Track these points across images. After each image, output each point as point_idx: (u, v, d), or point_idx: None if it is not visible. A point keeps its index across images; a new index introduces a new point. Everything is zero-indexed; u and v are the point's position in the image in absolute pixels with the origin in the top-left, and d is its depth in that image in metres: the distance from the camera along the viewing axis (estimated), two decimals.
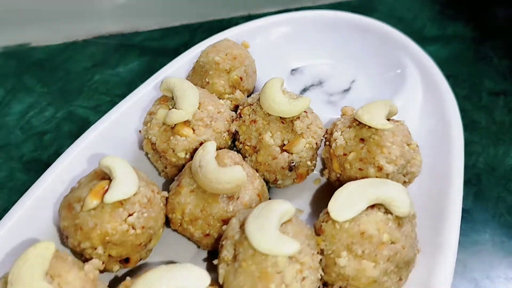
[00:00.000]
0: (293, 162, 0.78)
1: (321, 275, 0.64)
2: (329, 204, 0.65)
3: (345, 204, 0.64)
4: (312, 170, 0.83)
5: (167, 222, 0.74)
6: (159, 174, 0.85)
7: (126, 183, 0.66)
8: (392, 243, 0.64)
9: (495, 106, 1.10)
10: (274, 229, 0.60)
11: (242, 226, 0.63)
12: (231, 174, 0.68)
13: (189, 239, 0.75)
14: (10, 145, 0.96)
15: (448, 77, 1.01)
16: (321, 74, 1.09)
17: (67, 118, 1.02)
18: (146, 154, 0.84)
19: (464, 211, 0.88)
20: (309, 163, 0.80)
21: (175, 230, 0.75)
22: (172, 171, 0.81)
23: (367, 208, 0.65)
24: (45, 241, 0.60)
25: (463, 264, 0.82)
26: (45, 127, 1.00)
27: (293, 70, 1.10)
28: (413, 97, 1.00)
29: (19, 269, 0.57)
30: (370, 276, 0.63)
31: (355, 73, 1.09)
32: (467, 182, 0.93)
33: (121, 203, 0.65)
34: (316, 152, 0.82)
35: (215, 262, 0.65)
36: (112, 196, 0.64)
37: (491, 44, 1.26)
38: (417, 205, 0.72)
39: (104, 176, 0.69)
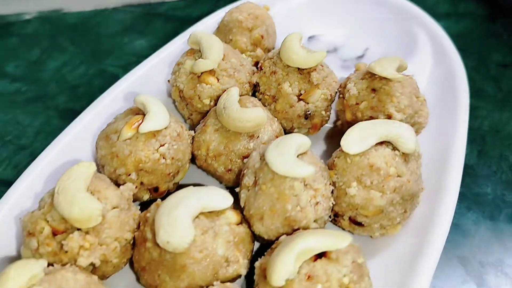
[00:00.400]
0: (309, 111, 0.85)
1: (332, 203, 0.71)
2: (342, 139, 0.71)
3: (356, 139, 0.70)
4: (326, 121, 0.90)
5: (193, 160, 0.81)
6: (185, 121, 0.92)
7: (159, 117, 0.73)
8: (398, 176, 0.70)
9: (503, 77, 1.15)
10: (292, 155, 0.66)
11: (262, 157, 0.70)
12: (253, 113, 0.75)
13: (212, 175, 0.82)
14: (47, 96, 1.04)
15: (458, 50, 1.06)
16: (336, 41, 1.15)
17: (98, 75, 1.10)
18: (174, 102, 0.91)
19: (468, 166, 0.95)
20: (323, 113, 0.87)
21: (199, 167, 0.82)
22: (197, 118, 0.88)
23: (376, 144, 0.71)
24: (87, 161, 0.67)
25: (465, 209, 0.87)
26: (78, 82, 1.08)
27: (309, 37, 1.16)
28: (423, 63, 1.05)
29: (64, 183, 0.64)
30: (377, 205, 0.69)
31: (369, 42, 1.15)
32: (472, 141, 0.99)
33: (153, 134, 0.73)
34: (330, 104, 0.89)
35: (237, 189, 0.72)
36: (146, 126, 0.71)
37: (502, 22, 1.31)
38: (423, 154, 0.78)
39: (138, 112, 0.76)
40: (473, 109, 1.01)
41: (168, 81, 0.90)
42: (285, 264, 0.58)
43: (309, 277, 0.58)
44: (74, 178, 0.65)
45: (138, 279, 0.71)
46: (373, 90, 0.82)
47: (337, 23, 1.18)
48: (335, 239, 0.60)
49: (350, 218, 0.73)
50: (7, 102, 1.04)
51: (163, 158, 0.74)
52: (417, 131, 0.85)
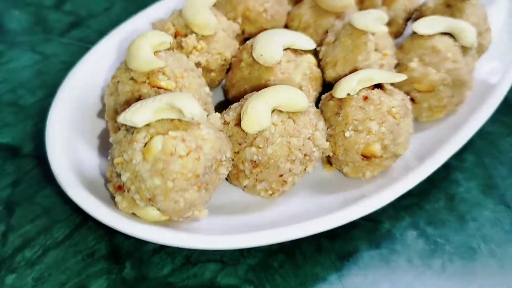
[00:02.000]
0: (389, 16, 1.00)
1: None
2: (414, 23, 0.86)
3: (427, 24, 0.85)
4: (400, 33, 1.04)
5: None
6: None
7: None
8: (454, 61, 0.83)
9: None
10: (372, 17, 0.82)
11: (345, 24, 0.86)
12: None
13: None
14: None
15: None
16: None
17: None
18: None
19: None
20: (400, 21, 1.01)
21: None
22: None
23: (441, 33, 0.85)
24: None
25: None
26: None
27: None
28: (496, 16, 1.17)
29: (191, 2, 0.83)
30: (431, 80, 0.83)
31: None
32: None
33: None
34: (408, 19, 1.03)
35: (318, 48, 0.88)
36: None
37: None
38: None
39: None
40: None
41: None
42: (349, 82, 0.73)
43: (365, 98, 0.74)
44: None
45: (225, 95, 0.89)
46: (448, 5, 0.96)
47: None
48: (393, 74, 0.75)
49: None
50: None
51: (265, 13, 0.91)
52: (479, 54, 0.98)
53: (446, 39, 0.84)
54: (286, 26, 0.98)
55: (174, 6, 1.00)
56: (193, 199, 0.61)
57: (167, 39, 0.75)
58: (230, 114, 0.71)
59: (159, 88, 0.72)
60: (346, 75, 0.81)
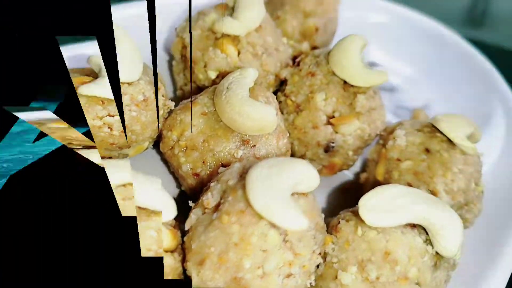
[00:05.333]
0: (333, 143, 0.62)
1: (311, 284, 0.47)
2: (361, 198, 0.48)
3: (382, 206, 0.47)
4: (348, 166, 0.67)
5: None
6: (174, 91, 0.70)
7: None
8: (417, 284, 0.47)
9: None
10: (285, 190, 0.43)
11: (244, 174, 0.47)
12: (260, 111, 0.53)
13: (173, 171, 0.60)
14: None
15: None
16: (397, 81, 0.92)
17: None
18: (170, 60, 0.69)
19: None
20: (350, 153, 0.64)
21: (164, 155, 0.59)
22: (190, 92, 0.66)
23: (406, 225, 0.48)
24: None
25: None
26: None
27: (369, 62, 0.93)
28: (490, 147, 0.82)
29: None
30: None
31: (434, 95, 0.91)
32: None
33: (102, 101, 0.52)
34: (363, 148, 0.66)
35: (191, 204, 0.49)
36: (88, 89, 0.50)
37: None
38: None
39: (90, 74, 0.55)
40: None
41: (176, 29, 0.68)
42: None
43: None
44: None
45: None
46: (427, 150, 0.59)
47: (406, 60, 0.95)
48: None
49: None
50: None
51: (109, 127, 0.52)
52: None
53: (412, 238, 0.48)
54: (160, 136, 0.59)
55: None
56: None
57: None
58: None
59: None
60: None
